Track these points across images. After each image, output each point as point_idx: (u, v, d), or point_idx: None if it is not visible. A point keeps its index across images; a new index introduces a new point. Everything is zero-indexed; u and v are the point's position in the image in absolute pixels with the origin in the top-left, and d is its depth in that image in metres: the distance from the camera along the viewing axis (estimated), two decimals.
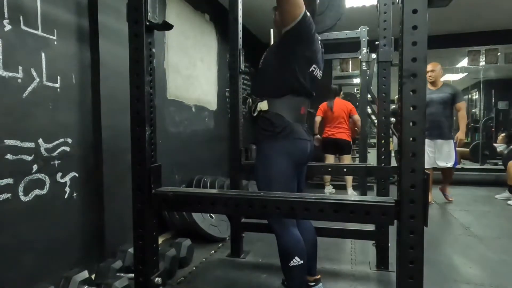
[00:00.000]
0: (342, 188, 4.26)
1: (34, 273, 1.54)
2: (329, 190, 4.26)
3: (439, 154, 3.60)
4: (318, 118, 4.13)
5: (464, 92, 10.14)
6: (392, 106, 4.50)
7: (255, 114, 1.44)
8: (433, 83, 3.63)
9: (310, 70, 1.44)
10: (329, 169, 2.40)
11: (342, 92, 4.29)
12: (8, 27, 1.42)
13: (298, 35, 1.35)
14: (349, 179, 4.08)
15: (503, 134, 6.78)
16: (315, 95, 1.53)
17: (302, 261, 1.36)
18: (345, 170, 2.39)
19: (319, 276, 1.69)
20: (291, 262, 1.35)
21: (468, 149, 6.22)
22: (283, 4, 1.29)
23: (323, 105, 4.11)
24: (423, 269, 0.84)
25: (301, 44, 1.38)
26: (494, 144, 6.52)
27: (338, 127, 4.02)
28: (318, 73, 1.50)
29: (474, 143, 6.36)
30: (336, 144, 4.04)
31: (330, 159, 4.12)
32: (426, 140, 3.57)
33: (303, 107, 1.47)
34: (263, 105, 1.42)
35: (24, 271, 1.50)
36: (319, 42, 1.51)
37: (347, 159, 4.11)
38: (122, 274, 1.68)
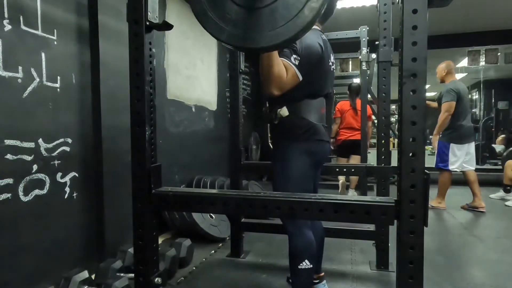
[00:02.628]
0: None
1: (34, 273, 1.55)
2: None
3: None
4: (338, 120, 3.96)
5: None
6: (392, 107, 4.47)
7: (276, 122, 1.41)
8: (442, 82, 3.54)
9: (325, 66, 1.43)
10: (329, 169, 2.40)
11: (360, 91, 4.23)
12: (8, 27, 1.42)
13: (307, 75, 1.34)
14: (354, 181, 4.03)
15: (503, 136, 6.78)
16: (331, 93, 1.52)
17: (311, 265, 1.35)
18: (344, 170, 2.39)
19: (323, 274, 1.69)
20: (301, 265, 1.34)
21: None
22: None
23: (341, 105, 3.97)
24: (423, 269, 0.84)
25: (312, 69, 1.36)
26: (493, 145, 6.53)
27: (357, 129, 3.89)
28: (332, 65, 1.50)
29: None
30: (353, 145, 3.93)
31: (343, 162, 4.00)
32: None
33: (322, 108, 1.47)
34: (284, 111, 1.40)
35: (24, 271, 1.51)
36: (323, 38, 1.45)
37: (357, 159, 3.95)
38: (122, 274, 1.68)
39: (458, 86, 3.38)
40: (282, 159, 1.41)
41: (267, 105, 1.48)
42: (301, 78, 1.31)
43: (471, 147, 3.49)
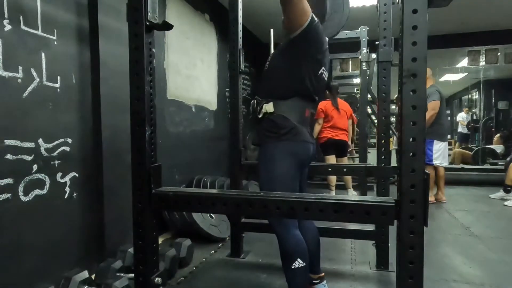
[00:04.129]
0: (342, 188, 4.25)
1: (34, 273, 1.54)
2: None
3: None
4: (321, 121, 3.92)
5: (464, 92, 10.18)
6: (392, 106, 4.49)
7: (260, 116, 1.44)
8: None
9: (319, 73, 1.44)
10: (329, 169, 2.40)
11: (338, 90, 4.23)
12: (8, 27, 1.42)
13: (306, 41, 1.34)
14: (348, 180, 4.04)
15: (498, 135, 6.80)
16: (318, 99, 1.53)
17: (304, 263, 1.35)
18: (345, 170, 2.39)
19: (323, 274, 1.69)
20: (294, 264, 1.34)
21: (470, 153, 6.27)
22: (288, 12, 1.29)
23: (324, 105, 3.95)
24: (423, 269, 0.84)
25: (310, 48, 1.37)
26: (492, 146, 6.55)
27: (341, 129, 3.91)
28: (325, 75, 1.49)
29: (475, 149, 6.38)
30: (337, 146, 3.94)
31: (332, 160, 3.98)
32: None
33: (307, 110, 1.48)
34: (269, 107, 1.42)
35: (24, 271, 1.50)
36: (327, 43, 1.49)
37: (344, 161, 4.05)
38: (122, 274, 1.68)
39: (439, 88, 3.65)
40: (267, 159, 1.42)
41: (255, 100, 1.49)
42: (308, 19, 1.29)
43: (446, 145, 3.83)
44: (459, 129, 8.67)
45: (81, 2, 1.81)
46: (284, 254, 1.37)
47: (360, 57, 3.26)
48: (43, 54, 1.58)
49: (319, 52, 1.40)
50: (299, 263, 1.34)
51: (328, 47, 1.51)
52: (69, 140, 1.73)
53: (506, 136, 6.71)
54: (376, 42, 1.94)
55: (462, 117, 8.70)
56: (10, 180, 1.44)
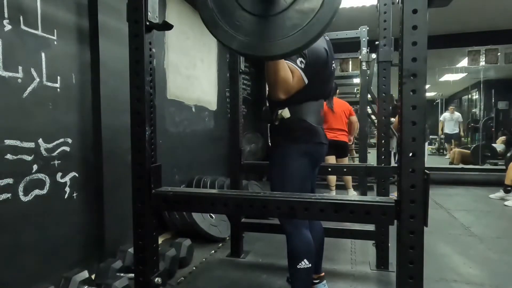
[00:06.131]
0: (342, 188, 4.25)
1: (34, 273, 1.54)
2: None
3: None
4: None
5: (464, 92, 10.19)
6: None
7: (277, 123, 1.42)
8: None
9: (328, 69, 1.43)
10: (329, 169, 2.40)
11: (337, 91, 4.22)
12: (8, 27, 1.42)
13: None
14: (349, 180, 4.04)
15: (503, 138, 6.76)
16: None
17: (310, 264, 1.35)
18: (345, 170, 2.39)
19: (323, 274, 1.70)
20: (300, 264, 1.34)
21: (469, 151, 6.25)
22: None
23: None
24: (423, 269, 0.84)
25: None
26: (493, 145, 6.55)
27: (339, 130, 3.89)
28: (333, 67, 1.49)
29: (474, 146, 6.36)
30: (336, 146, 3.90)
31: (332, 160, 3.96)
32: None
33: (322, 110, 1.49)
34: (285, 113, 1.40)
35: (24, 271, 1.50)
36: (326, 40, 1.46)
37: (345, 162, 4.03)
38: (122, 274, 1.68)
39: None
40: (281, 160, 1.41)
41: (268, 105, 1.48)
42: (306, 81, 1.32)
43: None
44: (445, 130, 8.51)
45: (81, 2, 1.81)
46: (292, 253, 1.37)
47: (360, 57, 3.26)
48: (43, 54, 1.58)
49: (323, 64, 1.39)
50: (305, 263, 1.34)
51: (331, 45, 1.47)
52: (69, 140, 1.73)
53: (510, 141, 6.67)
54: (376, 42, 1.94)
55: (444, 117, 8.47)
56: (10, 180, 1.44)
